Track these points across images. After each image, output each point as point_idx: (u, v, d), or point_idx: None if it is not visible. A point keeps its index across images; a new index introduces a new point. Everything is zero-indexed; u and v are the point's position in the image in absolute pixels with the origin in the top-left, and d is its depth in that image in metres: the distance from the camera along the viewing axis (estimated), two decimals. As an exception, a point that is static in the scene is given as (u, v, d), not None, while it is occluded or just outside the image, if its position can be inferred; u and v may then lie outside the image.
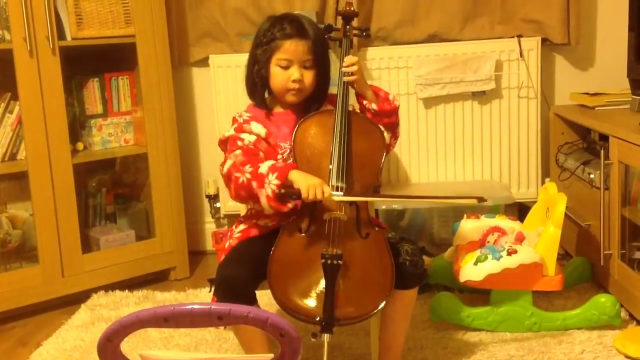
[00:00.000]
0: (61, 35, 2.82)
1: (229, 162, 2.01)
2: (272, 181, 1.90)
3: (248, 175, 1.94)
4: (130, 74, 3.12)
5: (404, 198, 1.87)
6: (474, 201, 1.97)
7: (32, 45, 2.71)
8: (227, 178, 2.00)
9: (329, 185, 1.95)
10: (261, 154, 2.04)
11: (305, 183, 1.90)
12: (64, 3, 2.83)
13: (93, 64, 3.10)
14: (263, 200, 1.92)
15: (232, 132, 2.09)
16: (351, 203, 1.96)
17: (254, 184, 1.92)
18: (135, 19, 2.97)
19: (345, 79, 2.10)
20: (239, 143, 2.05)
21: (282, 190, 1.90)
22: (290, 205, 1.93)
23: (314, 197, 1.88)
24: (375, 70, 3.27)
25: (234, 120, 2.13)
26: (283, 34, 2.07)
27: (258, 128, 2.09)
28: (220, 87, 3.31)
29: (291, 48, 2.06)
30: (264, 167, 1.94)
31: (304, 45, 2.07)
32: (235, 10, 3.33)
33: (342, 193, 1.95)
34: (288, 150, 2.09)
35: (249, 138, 2.06)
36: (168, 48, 3.07)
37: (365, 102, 2.13)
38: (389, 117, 2.13)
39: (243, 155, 2.02)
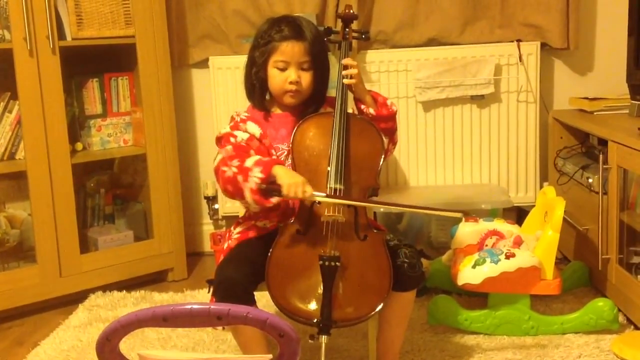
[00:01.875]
0: (61, 35, 2.82)
1: (219, 157, 2.03)
2: (256, 174, 1.90)
3: (235, 169, 1.94)
4: (130, 75, 3.12)
5: (391, 205, 1.89)
6: (459, 214, 1.99)
7: (32, 44, 2.71)
8: (217, 172, 2.01)
9: (327, 188, 1.96)
10: (252, 152, 2.04)
11: (287, 180, 1.89)
12: (64, 3, 2.83)
13: (93, 64, 3.10)
14: (247, 194, 1.92)
15: (227, 129, 2.11)
16: (349, 205, 1.96)
17: (240, 177, 1.92)
18: (136, 19, 2.97)
19: (345, 81, 2.10)
20: (232, 140, 2.07)
21: (264, 186, 1.90)
22: (274, 200, 1.92)
23: (294, 195, 1.88)
24: (375, 73, 3.27)
25: (232, 118, 2.15)
26: (280, 35, 2.07)
27: (253, 128, 2.10)
28: (220, 89, 3.32)
29: (288, 49, 2.06)
30: (249, 161, 1.94)
31: (301, 46, 2.07)
32: (235, 12, 3.33)
33: (324, 194, 1.94)
34: (285, 152, 2.10)
35: (242, 135, 2.08)
36: (168, 49, 3.08)
37: (363, 106, 2.13)
38: (386, 123, 2.13)
39: (233, 151, 2.02)
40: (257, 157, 1.97)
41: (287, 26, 2.08)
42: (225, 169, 1.97)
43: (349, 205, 1.96)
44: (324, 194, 1.94)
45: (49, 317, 2.81)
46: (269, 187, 1.90)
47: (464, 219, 2.69)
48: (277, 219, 2.06)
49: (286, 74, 2.08)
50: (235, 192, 1.95)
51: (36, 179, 2.79)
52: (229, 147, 2.04)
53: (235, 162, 1.95)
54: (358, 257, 1.92)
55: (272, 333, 1.19)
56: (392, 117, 2.14)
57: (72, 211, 2.89)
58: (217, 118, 3.31)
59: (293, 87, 2.08)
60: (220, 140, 2.10)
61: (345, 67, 2.11)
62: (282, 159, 2.09)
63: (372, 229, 1.98)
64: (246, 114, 2.14)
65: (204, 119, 3.47)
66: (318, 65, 2.11)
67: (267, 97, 2.18)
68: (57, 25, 2.78)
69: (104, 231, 3.14)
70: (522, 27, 3.26)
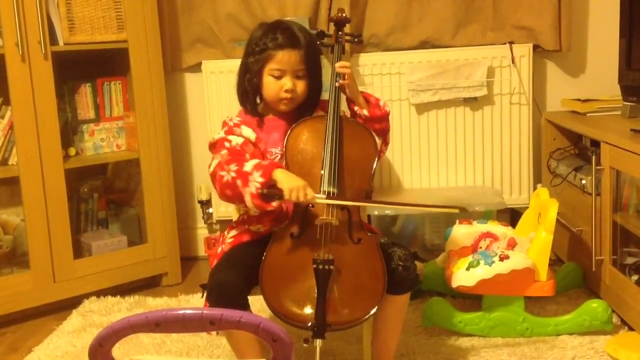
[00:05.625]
0: (53, 40, 2.82)
1: (215, 162, 2.02)
2: (256, 179, 1.90)
3: (233, 174, 1.93)
4: (123, 79, 3.12)
5: (389, 204, 1.90)
6: (457, 210, 2.01)
7: (24, 50, 2.70)
8: (213, 177, 2.00)
9: (320, 191, 1.96)
10: (247, 156, 2.03)
11: (288, 184, 1.89)
12: (56, 8, 2.83)
13: (85, 69, 3.09)
14: (247, 199, 1.91)
15: (221, 134, 2.10)
16: (342, 208, 1.96)
17: (239, 182, 1.92)
18: (128, 24, 2.97)
19: (338, 83, 2.10)
20: (227, 144, 2.06)
21: (265, 191, 1.89)
22: (274, 204, 1.92)
23: (296, 199, 1.88)
24: (368, 76, 3.27)
25: (224, 123, 2.14)
26: (275, 44, 2.07)
27: (248, 132, 2.10)
28: (213, 93, 3.31)
29: (284, 59, 2.06)
30: (248, 166, 1.93)
31: (297, 55, 2.07)
32: (228, 16, 3.33)
33: (324, 196, 1.94)
34: (279, 156, 2.10)
35: (236, 140, 2.07)
36: (160, 53, 3.07)
37: (356, 108, 2.14)
38: (380, 123, 2.14)
39: (229, 155, 2.02)
40: (256, 160, 1.97)
41: (282, 34, 2.07)
42: (223, 173, 1.95)
43: (342, 208, 1.96)
44: (325, 197, 1.94)
45: (42, 323, 2.80)
46: (270, 191, 1.90)
47: (457, 221, 2.70)
48: (270, 223, 2.06)
49: (282, 82, 2.08)
50: (234, 197, 1.95)
51: (29, 184, 2.78)
52: (224, 152, 2.04)
53: (233, 167, 1.94)
54: (352, 260, 1.91)
55: (266, 337, 1.18)
56: (385, 117, 2.15)
57: (66, 216, 2.88)
58: (211, 122, 3.30)
59: (288, 95, 2.08)
60: (215, 146, 2.09)
61: (339, 69, 2.11)
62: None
63: (366, 232, 1.98)
64: (239, 119, 2.14)
65: (197, 123, 3.47)
66: (312, 72, 2.11)
67: (260, 101, 2.18)
68: (49, 30, 2.78)
69: (97, 236, 3.14)
70: (515, 29, 3.27)
